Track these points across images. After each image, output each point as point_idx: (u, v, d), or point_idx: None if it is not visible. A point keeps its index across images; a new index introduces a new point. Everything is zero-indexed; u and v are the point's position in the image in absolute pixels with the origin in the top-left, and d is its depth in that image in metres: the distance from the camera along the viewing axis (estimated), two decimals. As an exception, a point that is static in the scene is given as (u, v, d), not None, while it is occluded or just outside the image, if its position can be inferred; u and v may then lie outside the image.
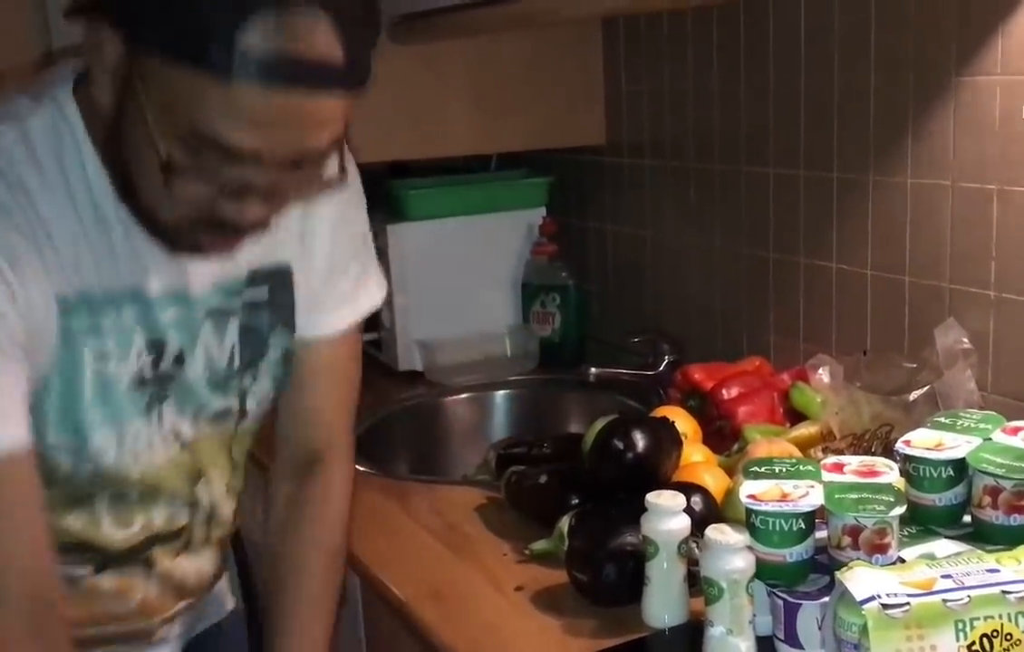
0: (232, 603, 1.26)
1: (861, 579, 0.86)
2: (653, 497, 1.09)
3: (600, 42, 1.98)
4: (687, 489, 1.18)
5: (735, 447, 1.41)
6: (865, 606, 0.83)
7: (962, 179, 1.30)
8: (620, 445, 1.26)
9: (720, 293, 1.75)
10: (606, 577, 1.13)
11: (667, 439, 1.30)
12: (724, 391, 1.51)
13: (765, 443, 1.33)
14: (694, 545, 1.07)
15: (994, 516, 1.01)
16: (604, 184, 2.03)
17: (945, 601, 0.84)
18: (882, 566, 0.92)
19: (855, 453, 1.24)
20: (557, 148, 2.09)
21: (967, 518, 1.05)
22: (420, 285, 2.03)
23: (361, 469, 1.57)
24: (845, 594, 0.86)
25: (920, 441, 1.07)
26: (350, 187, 1.07)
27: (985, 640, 0.83)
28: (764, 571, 0.99)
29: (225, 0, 0.78)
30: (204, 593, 1.17)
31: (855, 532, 0.97)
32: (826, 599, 0.94)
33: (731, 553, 0.98)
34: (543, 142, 2.05)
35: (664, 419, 1.35)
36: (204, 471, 1.08)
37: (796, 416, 1.47)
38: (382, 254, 2.01)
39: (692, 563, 1.07)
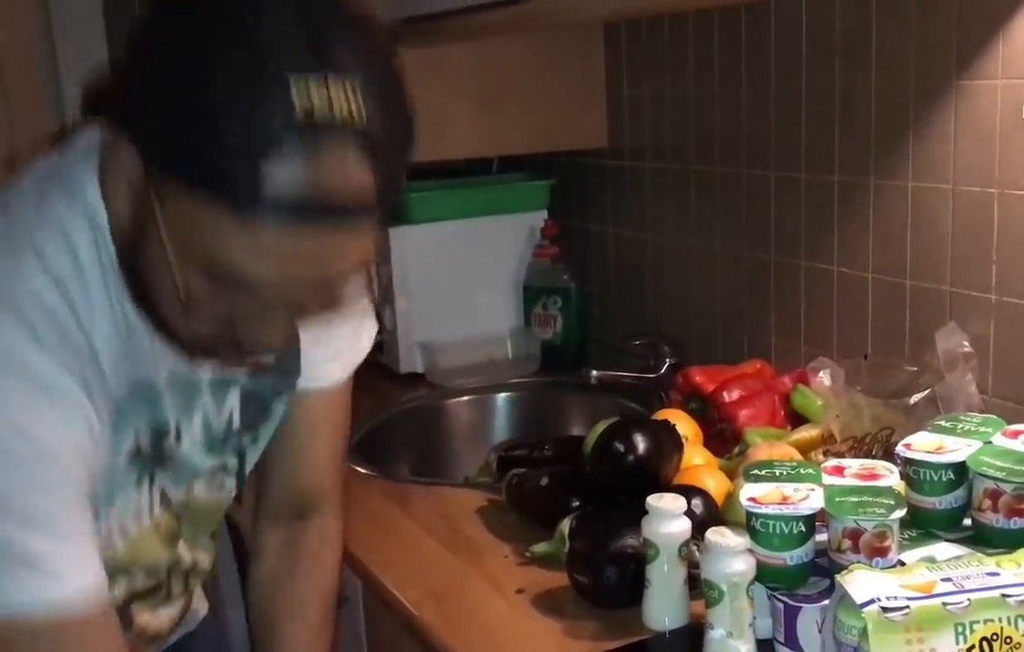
0: (206, 608, 1.25)
1: (861, 582, 0.86)
2: (654, 500, 1.10)
3: (602, 45, 1.98)
4: (688, 492, 1.18)
5: (736, 450, 1.41)
6: (865, 609, 0.83)
7: (963, 183, 1.30)
8: (621, 448, 1.27)
9: (721, 296, 1.76)
10: (607, 579, 1.14)
11: (668, 442, 1.30)
12: (725, 394, 1.52)
13: (766, 446, 1.33)
14: (695, 548, 1.08)
15: (994, 519, 1.01)
16: (605, 187, 2.03)
17: (945, 604, 0.84)
18: (882, 569, 0.92)
19: (856, 456, 1.24)
20: (559, 151, 2.09)
21: (967, 521, 1.05)
22: (422, 287, 2.04)
23: (362, 471, 1.58)
24: (845, 597, 0.86)
25: (920, 444, 1.07)
26: None
27: (985, 643, 0.83)
28: (764, 574, 0.99)
29: (249, 130, 0.72)
30: (177, 629, 1.15)
31: (855, 535, 0.97)
32: (826, 602, 0.94)
33: (731, 556, 0.98)
34: (545, 145, 2.06)
35: (665, 422, 1.35)
36: (190, 532, 1.05)
37: (797, 419, 1.47)
38: (384, 256, 2.03)
39: (693, 566, 1.07)
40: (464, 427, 1.96)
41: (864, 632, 0.83)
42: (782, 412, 1.50)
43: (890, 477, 1.04)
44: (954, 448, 1.05)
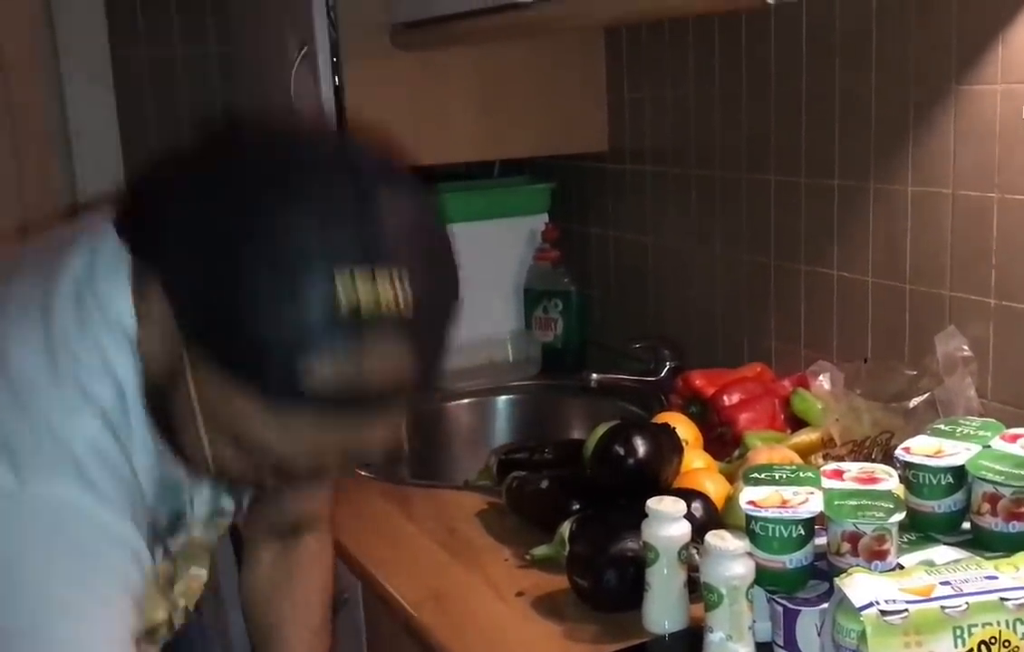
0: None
1: (860, 585, 0.87)
2: (654, 503, 1.10)
3: (603, 50, 1.98)
4: (688, 495, 1.18)
5: (736, 453, 1.42)
6: (864, 612, 0.83)
7: (962, 187, 1.31)
8: (621, 451, 1.27)
9: (721, 299, 1.76)
10: (607, 583, 1.14)
11: (668, 445, 1.31)
12: (725, 397, 1.52)
13: (766, 449, 1.33)
14: (694, 551, 1.08)
15: (993, 523, 1.01)
16: (606, 190, 2.03)
17: (944, 608, 0.84)
18: (881, 573, 0.92)
19: (855, 460, 1.24)
20: (560, 154, 2.09)
21: (966, 525, 1.05)
22: (422, 291, 2.03)
23: (363, 474, 1.58)
24: (844, 600, 0.86)
25: (920, 448, 1.07)
26: None
27: (983, 647, 0.83)
28: (764, 577, 1.00)
29: (289, 324, 0.69)
30: None
31: (854, 538, 0.97)
32: (825, 605, 0.95)
33: (731, 559, 0.99)
34: (546, 149, 2.06)
35: (665, 425, 1.35)
36: (185, 568, 1.04)
37: (797, 422, 1.47)
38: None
39: (692, 569, 1.07)
40: (464, 430, 1.96)
41: (863, 635, 0.83)
42: (782, 416, 1.50)
43: (889, 481, 1.04)
44: (953, 452, 1.05)
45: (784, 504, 1.00)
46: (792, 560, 0.99)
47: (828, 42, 1.47)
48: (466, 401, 1.97)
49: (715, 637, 0.99)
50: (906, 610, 0.83)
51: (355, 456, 0.82)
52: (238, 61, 2.44)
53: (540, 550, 1.27)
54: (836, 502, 1.00)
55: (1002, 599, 0.85)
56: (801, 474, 1.07)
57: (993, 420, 1.13)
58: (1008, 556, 0.91)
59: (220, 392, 0.74)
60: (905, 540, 1.03)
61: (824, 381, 1.39)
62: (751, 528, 1.00)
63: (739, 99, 1.65)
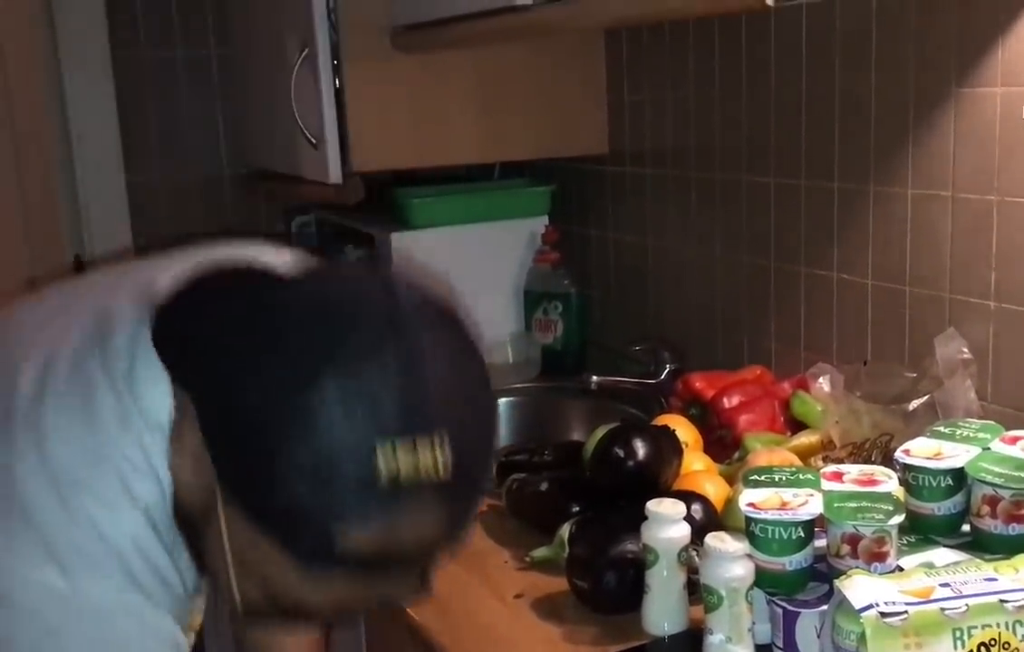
0: None
1: (860, 587, 0.87)
2: (653, 505, 1.10)
3: (603, 52, 1.99)
4: (687, 497, 1.18)
5: (736, 456, 1.42)
6: (863, 614, 0.83)
7: (962, 190, 1.31)
8: (621, 453, 1.27)
9: (721, 302, 1.76)
10: (606, 585, 1.14)
11: (668, 447, 1.31)
12: (725, 400, 1.52)
13: (765, 452, 1.34)
14: (694, 553, 1.08)
15: (993, 525, 1.01)
16: (606, 193, 2.03)
17: (943, 610, 0.84)
18: (881, 574, 0.93)
19: (855, 462, 1.24)
20: (560, 157, 2.09)
21: (966, 527, 1.05)
22: (423, 293, 2.04)
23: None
24: (844, 602, 0.86)
25: (919, 450, 1.07)
26: None
27: (983, 649, 0.83)
28: (763, 579, 1.00)
29: (327, 495, 0.70)
30: None
31: (854, 540, 0.97)
32: (825, 607, 0.95)
33: (731, 561, 0.99)
34: (546, 151, 2.06)
35: (665, 427, 1.36)
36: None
37: (797, 425, 1.47)
38: (385, 262, 2.03)
39: (692, 571, 1.07)
40: (464, 432, 1.96)
41: (863, 637, 0.83)
42: (782, 418, 1.50)
43: (889, 483, 1.04)
44: (953, 454, 1.05)
45: (784, 506, 1.00)
46: (792, 562, 0.99)
47: (828, 44, 1.47)
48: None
49: (715, 639, 0.99)
50: (906, 612, 0.83)
51: (382, 604, 0.82)
52: (238, 62, 2.44)
53: (540, 552, 1.27)
54: (836, 504, 1.00)
55: (1002, 601, 0.85)
56: (801, 476, 1.07)
57: (993, 422, 1.13)
58: (1008, 558, 0.91)
59: (251, 540, 0.74)
60: (905, 542, 1.03)
61: (824, 383, 1.39)
62: (751, 530, 1.00)
63: (739, 101, 1.65)
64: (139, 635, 0.80)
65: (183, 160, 2.53)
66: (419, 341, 0.74)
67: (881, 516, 0.97)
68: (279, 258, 0.89)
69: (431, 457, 0.71)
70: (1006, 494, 1.00)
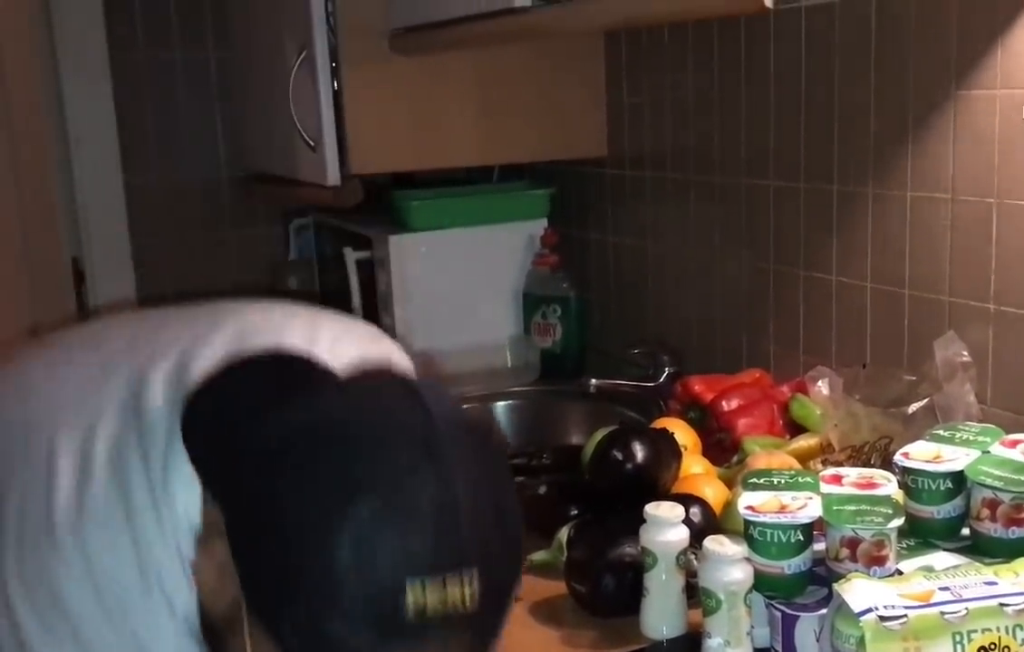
0: None
1: (859, 591, 0.86)
2: (652, 508, 1.10)
3: (602, 54, 1.99)
4: (686, 500, 1.18)
5: (735, 459, 1.41)
6: (863, 618, 0.83)
7: (961, 192, 1.30)
8: (620, 456, 1.27)
9: (720, 305, 1.76)
10: (605, 588, 1.14)
11: (666, 450, 1.30)
12: (724, 403, 1.52)
13: (764, 455, 1.33)
14: (692, 556, 1.07)
15: (992, 529, 1.01)
16: (605, 196, 2.03)
17: (943, 613, 0.84)
18: (880, 578, 0.92)
19: (854, 465, 1.24)
20: (559, 160, 2.09)
21: (965, 531, 1.05)
22: (421, 296, 2.04)
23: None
24: (843, 606, 0.86)
25: (919, 453, 1.07)
26: None
27: (982, 652, 0.83)
28: (762, 583, 0.99)
29: (353, 626, 0.69)
30: None
31: (853, 544, 0.97)
32: (824, 611, 0.94)
33: (729, 564, 0.98)
34: (545, 154, 2.06)
35: (664, 430, 1.35)
36: None
37: (796, 428, 1.47)
38: (383, 265, 2.03)
39: (690, 574, 1.07)
40: (463, 435, 1.96)
41: (862, 641, 0.83)
42: (781, 421, 1.50)
43: (888, 486, 1.04)
44: (952, 457, 1.05)
45: (783, 509, 1.00)
46: (790, 565, 0.99)
47: (827, 47, 1.47)
48: (465, 406, 1.97)
49: (713, 643, 0.99)
50: (905, 616, 0.83)
51: None
52: (237, 65, 2.44)
53: (538, 555, 1.26)
54: (835, 507, 1.00)
55: (1001, 605, 0.84)
56: (800, 479, 1.07)
57: (992, 425, 1.13)
58: (1008, 562, 0.91)
59: None
60: (904, 546, 1.03)
61: (823, 386, 1.39)
62: (749, 533, 1.00)
63: (738, 104, 1.65)
64: None
65: (181, 162, 2.53)
66: (453, 468, 0.73)
67: (880, 519, 0.97)
68: (309, 330, 0.88)
69: (460, 592, 0.71)
70: (1006, 497, 1.00)
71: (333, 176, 1.87)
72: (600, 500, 1.30)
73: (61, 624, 0.79)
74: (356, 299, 2.10)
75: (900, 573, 0.96)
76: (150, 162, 2.50)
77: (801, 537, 0.99)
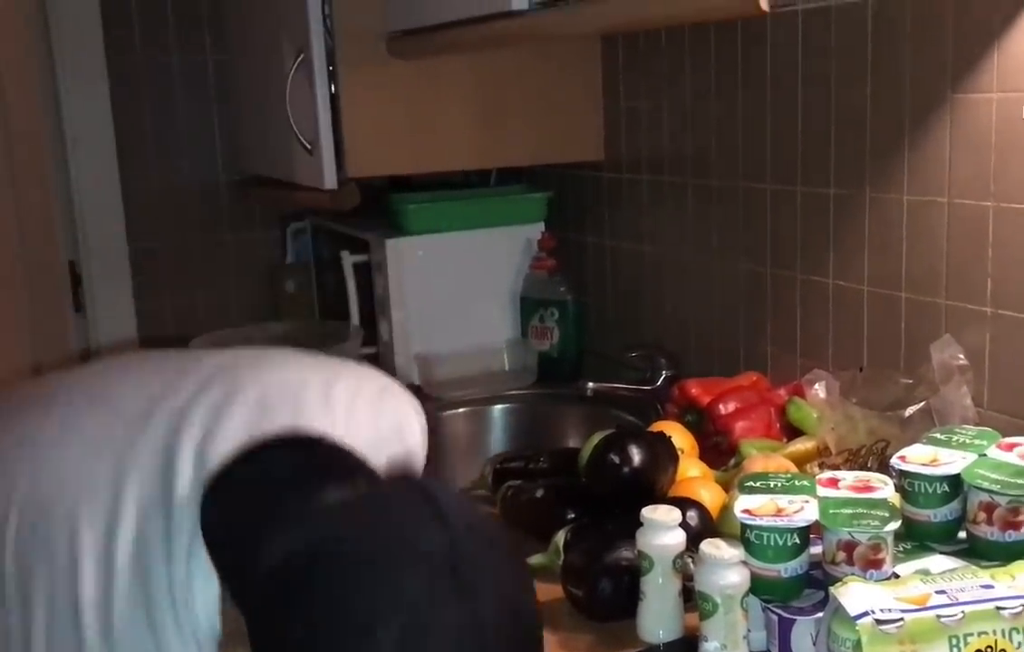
0: None
1: (855, 594, 0.86)
2: (648, 512, 1.09)
3: (599, 58, 1.99)
4: (683, 504, 1.18)
5: (731, 462, 1.41)
6: (859, 621, 0.83)
7: (958, 195, 1.30)
8: (616, 460, 1.26)
9: (717, 308, 1.76)
10: (601, 592, 1.13)
11: (664, 454, 1.30)
12: (721, 406, 1.51)
13: (761, 458, 1.33)
14: (689, 560, 1.07)
15: (989, 532, 1.01)
16: (602, 199, 2.03)
17: (939, 617, 0.84)
18: (876, 582, 0.92)
19: (851, 468, 1.24)
20: (556, 163, 2.09)
21: (962, 534, 1.05)
22: (418, 299, 2.04)
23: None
24: (839, 609, 0.86)
25: (915, 457, 1.07)
26: None
27: (979, 656, 0.83)
28: (759, 586, 0.99)
29: None
30: None
31: (850, 547, 0.97)
32: (820, 615, 0.94)
33: (726, 568, 0.98)
34: (543, 157, 2.06)
35: (661, 434, 1.35)
36: None
37: (793, 431, 1.47)
38: (381, 268, 2.03)
39: (687, 578, 1.07)
40: (460, 439, 1.96)
41: (858, 644, 0.82)
42: (778, 424, 1.50)
43: (885, 489, 1.04)
44: (949, 461, 1.05)
45: (779, 513, 1.00)
46: (787, 569, 0.99)
47: (824, 50, 1.47)
48: (462, 410, 1.97)
49: (710, 646, 0.99)
50: (901, 619, 0.83)
51: None
52: (234, 68, 2.44)
53: (535, 559, 1.26)
54: (831, 511, 1.00)
55: (998, 608, 0.84)
56: (796, 483, 1.07)
57: (989, 429, 1.13)
58: (1004, 565, 0.91)
59: None
60: (901, 549, 1.02)
61: (820, 390, 1.39)
62: (746, 537, 1.00)
63: (735, 107, 1.65)
64: None
65: (179, 165, 2.53)
66: (475, 587, 0.73)
67: (877, 523, 0.97)
68: (325, 396, 0.88)
69: None
70: (1002, 501, 1.00)
71: (330, 179, 1.87)
72: (597, 503, 1.29)
73: None
74: (353, 303, 2.10)
75: (896, 576, 0.96)
76: (147, 165, 2.50)
77: (798, 540, 0.99)
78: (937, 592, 0.86)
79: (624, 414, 1.79)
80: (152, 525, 0.82)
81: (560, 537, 1.24)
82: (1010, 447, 1.06)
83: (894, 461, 1.07)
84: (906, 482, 1.05)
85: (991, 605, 0.84)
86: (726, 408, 1.51)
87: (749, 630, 0.99)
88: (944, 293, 1.34)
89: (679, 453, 1.34)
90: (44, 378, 1.05)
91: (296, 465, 0.82)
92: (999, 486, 0.99)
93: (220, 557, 0.79)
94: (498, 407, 1.98)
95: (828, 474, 1.09)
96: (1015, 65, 1.21)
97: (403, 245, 2.02)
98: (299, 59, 1.86)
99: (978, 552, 1.01)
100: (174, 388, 0.90)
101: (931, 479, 1.04)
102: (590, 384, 1.78)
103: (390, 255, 2.01)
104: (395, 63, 1.84)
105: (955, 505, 1.04)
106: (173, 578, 0.80)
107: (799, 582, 1.00)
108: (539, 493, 1.37)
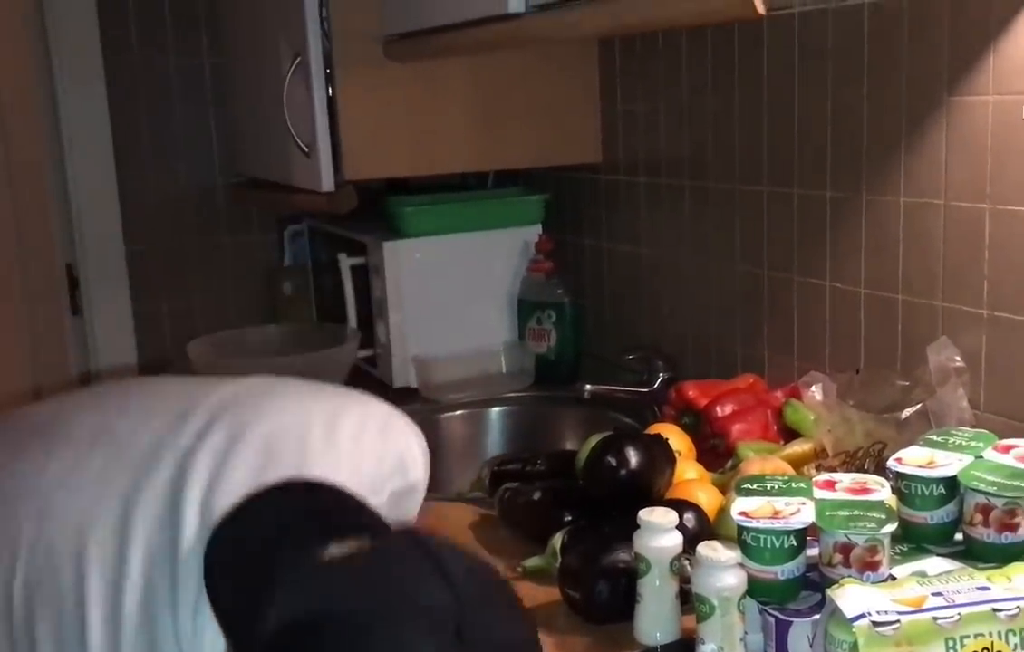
0: None
1: (852, 596, 0.86)
2: (645, 514, 1.09)
3: (596, 61, 1.99)
4: (680, 506, 1.18)
5: (728, 464, 1.41)
6: (856, 623, 0.83)
7: (954, 198, 1.31)
8: (614, 462, 1.26)
9: (714, 310, 1.76)
10: (598, 594, 1.13)
11: (661, 456, 1.30)
12: (718, 408, 1.52)
13: (758, 460, 1.33)
14: (686, 562, 1.07)
15: (985, 534, 1.01)
16: (600, 202, 2.03)
17: (936, 619, 0.84)
18: (873, 583, 0.92)
19: (848, 470, 1.24)
20: (554, 166, 2.09)
21: (959, 536, 1.05)
22: (416, 302, 2.04)
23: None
24: (836, 611, 0.86)
25: (912, 459, 1.07)
26: None
27: (975, 658, 0.83)
28: (755, 588, 0.99)
29: None
30: None
31: (846, 549, 0.97)
32: (817, 616, 0.94)
33: (722, 570, 0.98)
34: (540, 160, 2.06)
35: (658, 436, 1.35)
36: None
37: (790, 433, 1.47)
38: (378, 270, 2.03)
39: (684, 580, 1.07)
40: (457, 441, 1.96)
41: (855, 646, 0.82)
42: (775, 426, 1.50)
43: (882, 491, 1.04)
44: (946, 463, 1.05)
45: (776, 515, 1.00)
46: (784, 571, 0.99)
47: (820, 53, 1.47)
48: (459, 412, 1.97)
49: (707, 648, 0.99)
50: (898, 621, 0.83)
51: None
52: (231, 70, 2.44)
53: (532, 562, 1.26)
54: (828, 513, 1.00)
55: (994, 610, 0.84)
56: (793, 485, 1.07)
57: (985, 431, 1.13)
58: (1000, 567, 0.91)
59: None
60: (897, 551, 1.03)
61: (816, 392, 1.39)
62: (743, 539, 1.00)
63: (732, 110, 1.65)
64: None
65: (176, 168, 2.53)
66: (478, 637, 0.73)
67: (873, 525, 0.97)
68: (329, 434, 0.88)
69: None
70: (999, 503, 1.00)
71: (327, 182, 1.87)
72: (594, 506, 1.29)
73: None
74: (351, 305, 2.10)
75: (893, 578, 0.96)
76: (144, 167, 2.50)
77: (794, 542, 0.99)
78: (933, 594, 0.86)
79: (621, 416, 1.79)
80: (159, 572, 0.81)
81: (557, 539, 1.24)
82: (1006, 449, 1.06)
83: (891, 463, 1.08)
84: (903, 484, 1.05)
85: (987, 607, 0.84)
86: (723, 410, 1.51)
87: (746, 632, 0.99)
88: (940, 295, 1.34)
89: (676, 455, 1.34)
90: (41, 405, 1.03)
91: (297, 519, 0.81)
92: (995, 488, 1.00)
93: (223, 618, 0.78)
94: (495, 409, 1.98)
95: (825, 476, 1.09)
96: (1011, 67, 1.22)
97: (400, 247, 2.02)
98: (296, 62, 1.86)
99: (974, 554, 1.01)
100: (178, 427, 0.89)
101: (928, 481, 1.04)
102: (587, 386, 1.78)
103: (387, 257, 2.01)
104: (392, 66, 1.84)
105: (951, 507, 1.04)
106: (179, 630, 0.80)
107: (796, 584, 1.00)
108: (536, 495, 1.37)
